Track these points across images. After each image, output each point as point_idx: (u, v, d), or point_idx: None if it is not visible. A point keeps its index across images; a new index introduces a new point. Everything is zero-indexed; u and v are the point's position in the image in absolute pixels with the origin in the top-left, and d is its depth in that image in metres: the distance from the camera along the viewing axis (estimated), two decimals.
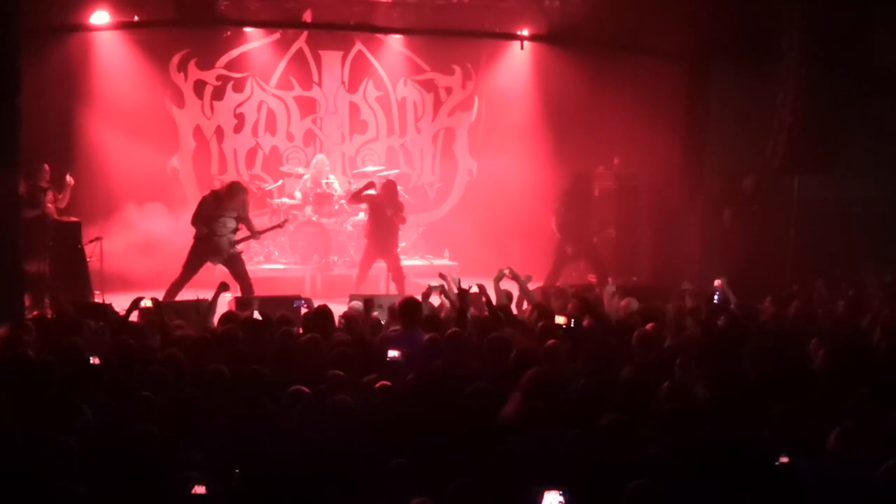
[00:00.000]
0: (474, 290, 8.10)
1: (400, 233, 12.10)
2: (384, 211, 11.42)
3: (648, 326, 7.05)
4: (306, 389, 5.50)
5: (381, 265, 11.72)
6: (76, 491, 4.29)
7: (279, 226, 11.17)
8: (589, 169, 12.61)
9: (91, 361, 6.02)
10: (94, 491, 4.51)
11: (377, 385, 5.72)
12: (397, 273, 11.46)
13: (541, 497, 4.09)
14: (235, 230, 10.35)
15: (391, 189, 11.59)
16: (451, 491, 4.35)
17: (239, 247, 10.52)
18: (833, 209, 11.14)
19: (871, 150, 11.06)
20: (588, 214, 11.96)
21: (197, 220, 10.25)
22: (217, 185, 11.45)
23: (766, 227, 11.31)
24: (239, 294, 9.98)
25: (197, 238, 10.27)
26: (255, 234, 10.68)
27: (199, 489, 4.27)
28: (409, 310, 7.13)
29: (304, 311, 8.07)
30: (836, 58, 9.92)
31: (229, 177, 13.51)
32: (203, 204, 10.34)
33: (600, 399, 5.57)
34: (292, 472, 4.74)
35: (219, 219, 10.22)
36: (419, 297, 7.87)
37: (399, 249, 11.89)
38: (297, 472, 4.76)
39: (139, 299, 7.66)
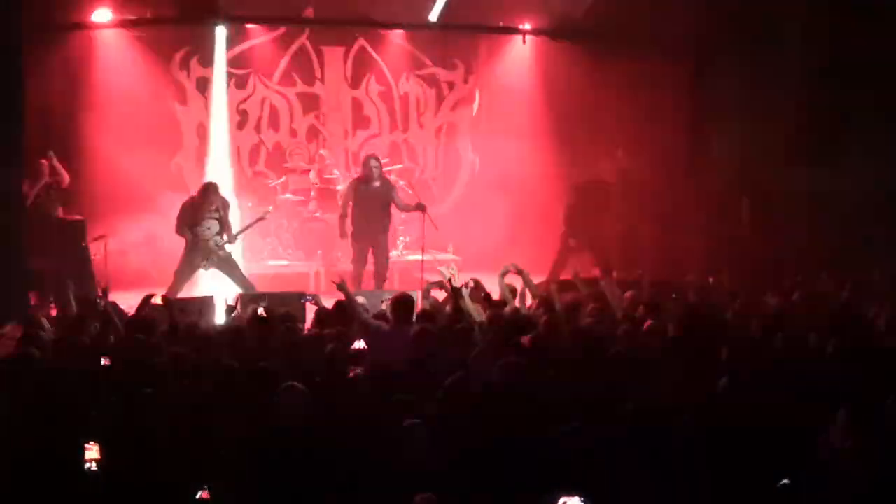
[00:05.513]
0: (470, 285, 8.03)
1: (400, 227, 11.95)
2: (366, 191, 10.89)
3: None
4: (299, 385, 5.28)
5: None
6: None
7: (260, 219, 10.85)
8: (594, 163, 12.61)
9: (102, 363, 6.00)
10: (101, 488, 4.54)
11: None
12: (381, 269, 10.99)
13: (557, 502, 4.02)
14: (220, 231, 10.30)
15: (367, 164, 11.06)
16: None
17: (228, 247, 10.48)
18: (838, 202, 11.11)
19: (875, 142, 11.03)
20: (599, 212, 11.95)
21: (180, 227, 10.21)
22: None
23: (772, 220, 11.30)
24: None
25: (185, 246, 10.27)
26: (237, 232, 10.55)
27: (203, 494, 4.22)
28: (403, 306, 6.97)
29: (310, 307, 8.06)
30: (839, 49, 9.91)
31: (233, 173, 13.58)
32: (182, 211, 10.26)
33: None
34: (295, 470, 4.72)
35: (200, 223, 10.18)
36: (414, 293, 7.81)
37: (403, 244, 11.68)
38: (300, 470, 4.74)
39: (150, 296, 7.65)
